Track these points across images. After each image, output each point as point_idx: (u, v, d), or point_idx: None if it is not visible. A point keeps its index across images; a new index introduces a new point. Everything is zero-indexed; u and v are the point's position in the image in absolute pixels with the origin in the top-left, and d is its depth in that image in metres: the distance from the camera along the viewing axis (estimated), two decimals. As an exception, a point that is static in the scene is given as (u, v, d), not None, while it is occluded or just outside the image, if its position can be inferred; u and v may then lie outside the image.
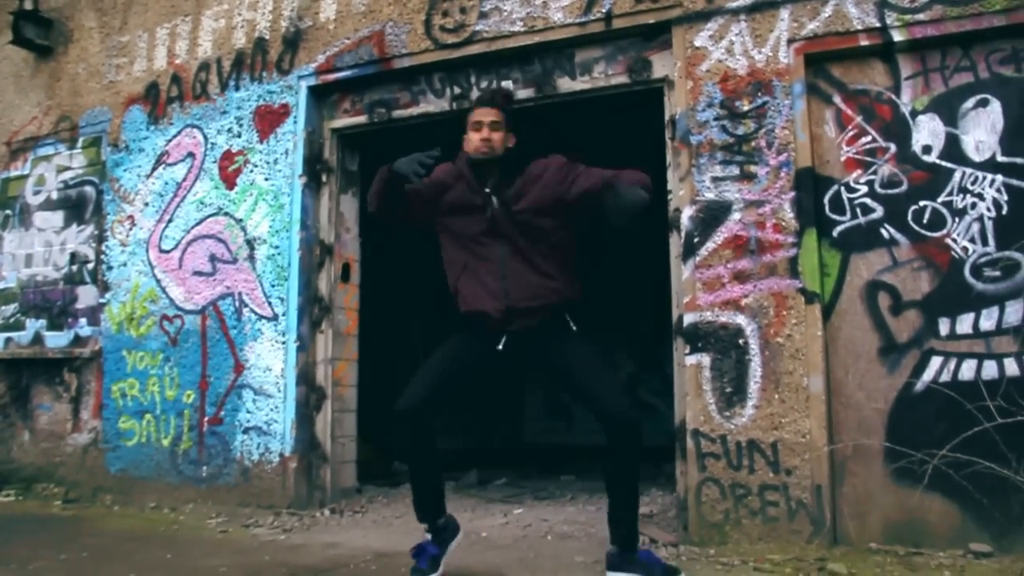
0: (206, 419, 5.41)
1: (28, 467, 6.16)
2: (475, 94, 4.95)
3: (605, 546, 3.95)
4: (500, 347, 3.27)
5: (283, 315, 5.24)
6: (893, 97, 3.91)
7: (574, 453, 8.80)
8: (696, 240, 4.10)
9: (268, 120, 5.51)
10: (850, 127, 3.96)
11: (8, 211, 6.68)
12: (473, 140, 3.27)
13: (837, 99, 4.00)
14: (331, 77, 5.34)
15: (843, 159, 3.96)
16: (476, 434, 10.81)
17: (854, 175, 3.93)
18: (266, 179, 5.44)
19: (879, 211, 3.87)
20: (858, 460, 3.81)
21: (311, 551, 4.04)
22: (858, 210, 3.91)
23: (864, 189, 3.91)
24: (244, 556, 3.92)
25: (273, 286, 5.30)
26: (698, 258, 4.08)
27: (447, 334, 3.43)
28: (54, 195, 6.46)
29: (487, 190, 3.28)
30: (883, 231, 3.86)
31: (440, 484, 3.44)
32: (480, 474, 7.03)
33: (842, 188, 3.95)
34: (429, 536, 3.37)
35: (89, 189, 6.27)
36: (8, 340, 6.45)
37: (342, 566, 3.69)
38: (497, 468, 7.56)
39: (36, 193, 6.56)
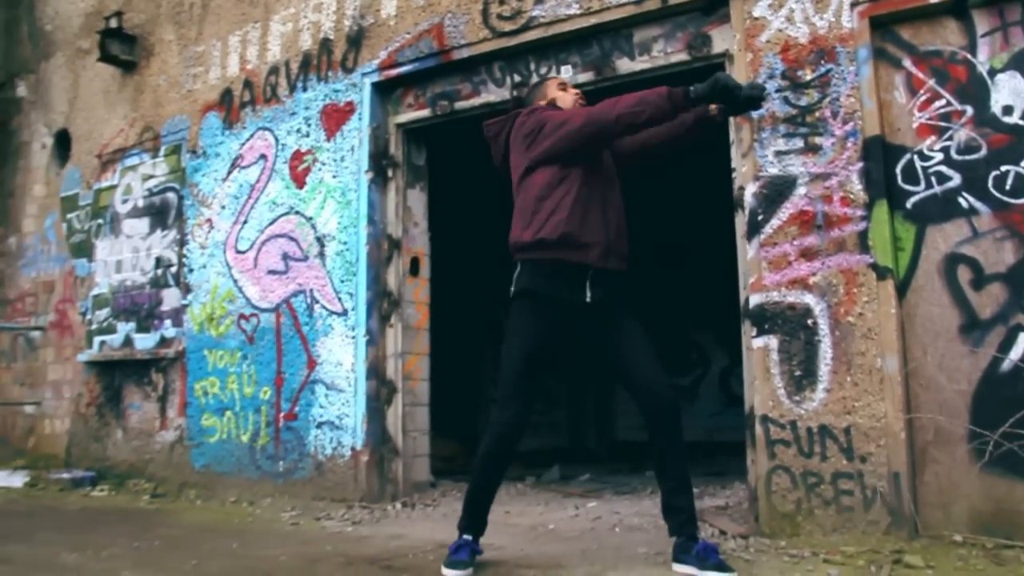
0: (282, 415, 5.51)
1: (121, 464, 6.41)
2: (535, 81, 4.90)
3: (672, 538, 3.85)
4: (588, 298, 3.22)
5: (352, 310, 5.29)
6: (968, 56, 3.64)
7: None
8: (760, 218, 3.92)
9: (334, 118, 5.58)
10: (922, 91, 3.71)
11: (100, 220, 6.98)
12: (571, 96, 3.57)
13: (907, 62, 3.75)
14: (393, 72, 5.37)
15: (915, 126, 3.72)
16: (566, 432, 10.75)
17: (928, 142, 3.68)
18: (334, 176, 5.51)
19: (956, 179, 3.61)
20: (940, 445, 3.56)
21: (374, 542, 4.04)
22: (933, 179, 3.66)
23: (939, 156, 3.65)
24: (307, 546, 3.95)
25: (342, 281, 5.35)
26: (762, 236, 3.91)
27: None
28: (140, 203, 6.71)
29: None
30: (961, 200, 3.59)
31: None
32: (564, 470, 6.97)
33: (915, 156, 3.70)
34: (469, 537, 3.37)
35: (171, 195, 6.49)
36: (102, 343, 6.73)
37: (400, 556, 3.67)
38: (587, 465, 7.49)
39: (124, 202, 6.83)
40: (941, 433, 3.56)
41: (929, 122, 3.69)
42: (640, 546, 3.73)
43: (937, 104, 3.68)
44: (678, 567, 3.17)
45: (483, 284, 8.07)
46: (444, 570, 3.25)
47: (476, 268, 8.07)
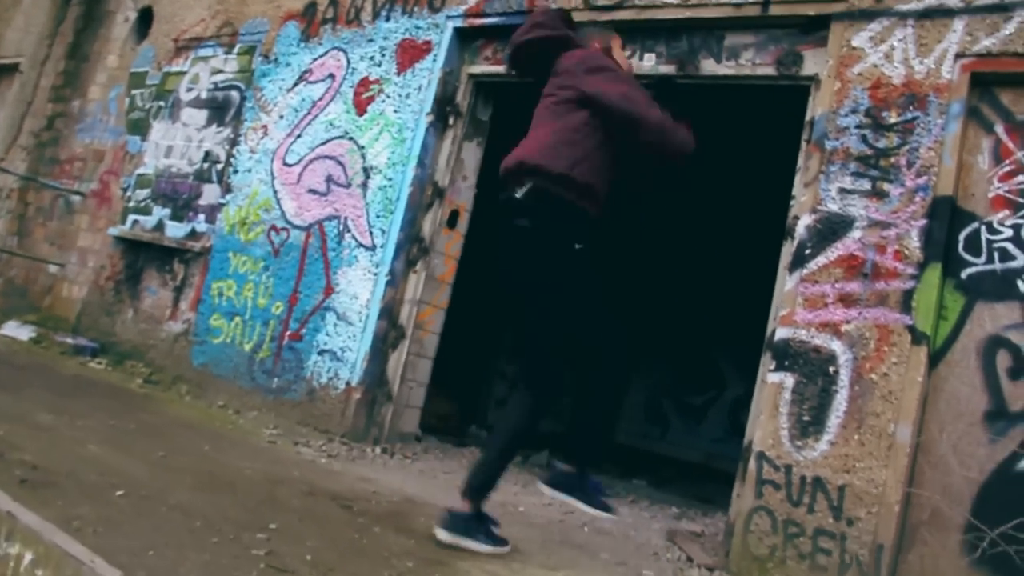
0: (288, 333, 5.47)
1: (125, 343, 6.44)
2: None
3: (639, 551, 3.76)
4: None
5: (381, 247, 5.22)
6: (1066, 138, 3.43)
7: (661, 463, 8.48)
8: (808, 251, 3.76)
9: (410, 54, 5.48)
10: (1007, 162, 3.50)
11: (162, 103, 6.98)
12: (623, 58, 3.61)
13: (999, 128, 3.54)
14: (478, 22, 5.25)
15: (991, 195, 3.51)
16: (566, 420, 10.61)
17: (1000, 215, 3.48)
18: (395, 111, 5.43)
19: (1020, 260, 3.41)
20: (934, 528, 3.39)
21: (342, 479, 3.99)
22: (996, 254, 3.45)
23: (1008, 233, 3.45)
24: (276, 466, 3.92)
25: (378, 217, 5.28)
26: (805, 271, 3.74)
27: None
28: (203, 95, 6.69)
29: None
30: (1021, 283, 3.39)
31: None
32: (552, 457, 6.86)
33: (983, 227, 3.50)
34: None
35: (234, 94, 6.46)
36: (135, 222, 6.75)
37: (363, 499, 3.61)
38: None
39: (189, 90, 6.81)
40: (938, 516, 3.39)
41: (1007, 195, 3.48)
42: (604, 551, 3.64)
43: (1020, 178, 3.47)
44: (554, 492, 3.32)
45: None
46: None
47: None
